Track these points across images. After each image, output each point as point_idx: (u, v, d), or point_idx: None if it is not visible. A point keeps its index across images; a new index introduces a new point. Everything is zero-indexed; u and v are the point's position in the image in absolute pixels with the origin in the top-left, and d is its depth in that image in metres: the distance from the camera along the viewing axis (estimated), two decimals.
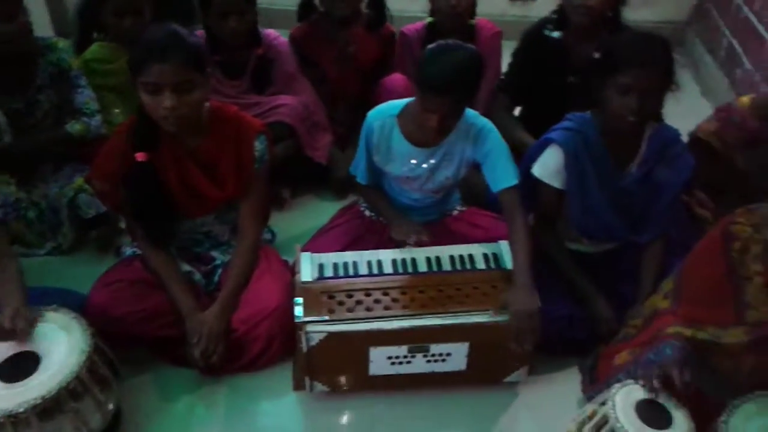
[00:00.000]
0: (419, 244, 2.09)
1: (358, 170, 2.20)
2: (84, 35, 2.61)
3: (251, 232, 2.06)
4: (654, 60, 1.85)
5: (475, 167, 2.13)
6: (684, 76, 3.75)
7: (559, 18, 2.45)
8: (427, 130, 1.95)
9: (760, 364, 1.65)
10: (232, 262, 2.06)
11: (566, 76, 2.45)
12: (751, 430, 1.52)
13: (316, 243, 2.23)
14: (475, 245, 2.10)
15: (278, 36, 2.70)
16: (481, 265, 2.04)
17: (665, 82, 1.89)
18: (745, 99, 2.32)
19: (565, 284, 2.12)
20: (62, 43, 2.49)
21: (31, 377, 1.63)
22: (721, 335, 1.68)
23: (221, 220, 2.12)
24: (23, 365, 1.66)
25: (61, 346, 1.70)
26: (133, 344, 2.00)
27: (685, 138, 2.35)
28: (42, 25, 3.04)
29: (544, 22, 2.52)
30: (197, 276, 2.10)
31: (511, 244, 1.99)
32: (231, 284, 2.01)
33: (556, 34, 2.46)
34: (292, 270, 2.05)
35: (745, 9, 3.28)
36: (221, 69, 2.59)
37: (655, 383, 1.57)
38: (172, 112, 1.76)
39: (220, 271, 2.12)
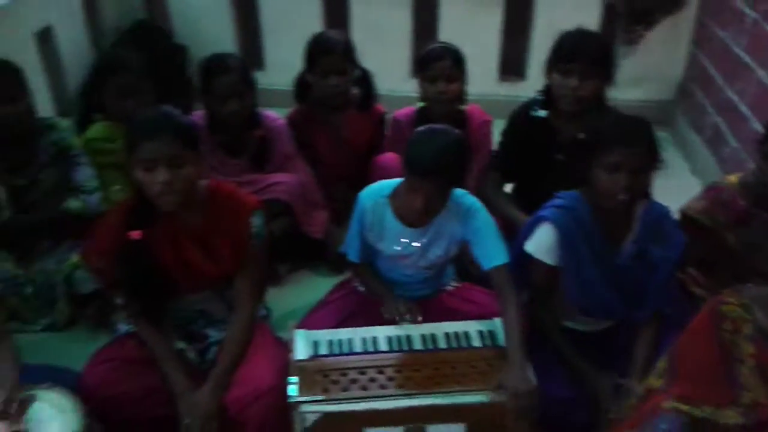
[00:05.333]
0: (411, 322, 2.09)
1: (351, 248, 2.22)
2: (85, 115, 2.68)
3: (246, 309, 2.05)
4: (638, 139, 1.92)
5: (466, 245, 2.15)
6: (672, 154, 3.84)
7: (546, 98, 2.53)
8: (413, 210, 1.99)
9: None
10: (226, 339, 2.04)
11: (553, 153, 2.52)
12: None
13: (311, 319, 2.23)
14: (471, 322, 2.10)
15: (277, 118, 2.78)
16: (476, 342, 2.03)
17: (651, 159, 1.95)
18: (733, 178, 2.34)
19: (563, 364, 2.09)
20: (64, 123, 2.57)
21: None
22: (718, 416, 1.65)
23: (216, 297, 2.12)
24: None
25: (53, 427, 1.67)
26: (127, 426, 1.96)
27: (675, 216, 2.39)
28: (44, 105, 3.13)
29: (530, 103, 2.59)
30: (191, 354, 2.08)
31: (504, 323, 2.00)
32: (225, 361, 1.98)
33: (542, 113, 2.53)
34: (287, 348, 2.03)
35: (728, 89, 3.36)
36: (223, 148, 2.66)
37: None
38: (167, 187, 1.80)
39: (214, 348, 2.10)
